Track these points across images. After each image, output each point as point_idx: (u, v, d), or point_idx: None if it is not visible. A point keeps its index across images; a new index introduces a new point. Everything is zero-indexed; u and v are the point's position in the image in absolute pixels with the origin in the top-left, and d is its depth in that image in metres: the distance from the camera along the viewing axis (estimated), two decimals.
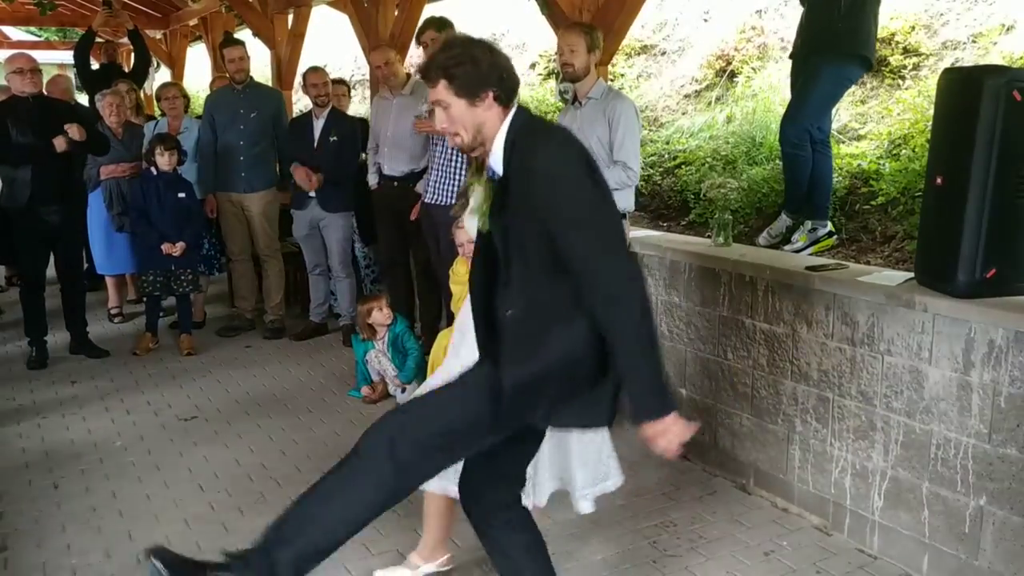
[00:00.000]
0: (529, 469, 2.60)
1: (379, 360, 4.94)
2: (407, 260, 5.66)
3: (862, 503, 3.33)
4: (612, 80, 6.41)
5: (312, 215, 5.84)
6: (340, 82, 6.55)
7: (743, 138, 5.47)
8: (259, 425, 4.66)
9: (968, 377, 2.93)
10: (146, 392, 5.19)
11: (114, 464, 4.18)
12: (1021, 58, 4.66)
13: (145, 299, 6.01)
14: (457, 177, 4.80)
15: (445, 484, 2.76)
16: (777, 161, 4.90)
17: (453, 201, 4.31)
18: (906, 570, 3.17)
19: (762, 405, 3.72)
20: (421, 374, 4.55)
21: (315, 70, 5.91)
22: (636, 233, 4.45)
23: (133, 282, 6.96)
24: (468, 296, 2.50)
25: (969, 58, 4.99)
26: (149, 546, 2.39)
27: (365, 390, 4.99)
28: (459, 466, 2.54)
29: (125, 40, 9.71)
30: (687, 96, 6.59)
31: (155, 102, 7.75)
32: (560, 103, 4.83)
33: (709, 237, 4.40)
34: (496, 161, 2.24)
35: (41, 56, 7.78)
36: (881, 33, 4.69)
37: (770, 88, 5.77)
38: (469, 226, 2.70)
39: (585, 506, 3.10)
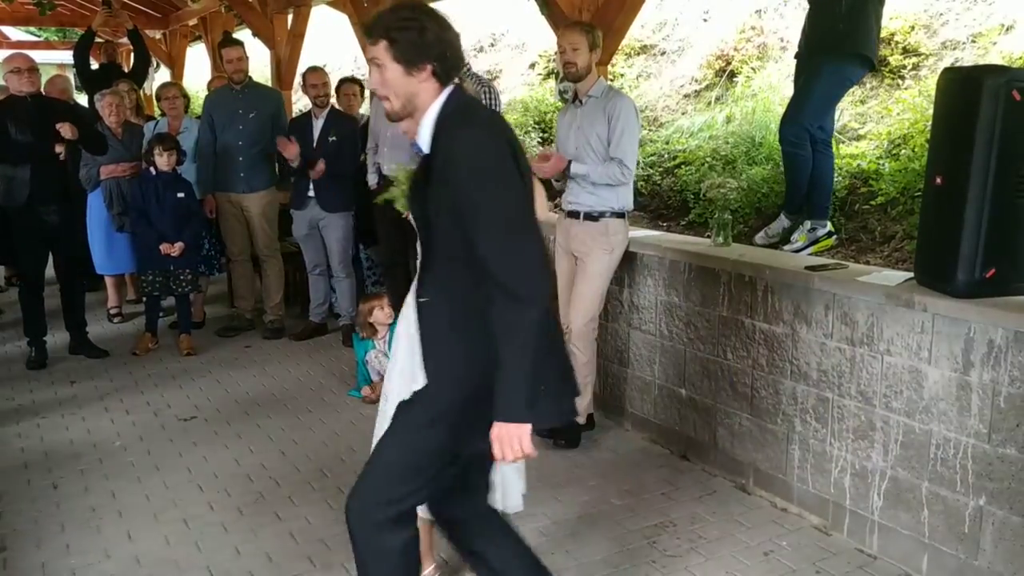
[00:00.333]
0: (495, 476, 2.53)
1: (379, 360, 4.94)
2: (407, 260, 5.66)
3: (862, 503, 3.33)
4: (612, 80, 6.41)
5: (312, 215, 5.84)
6: (353, 81, 6.48)
7: (743, 138, 5.47)
8: (259, 425, 4.66)
9: (968, 377, 2.93)
10: (145, 392, 5.19)
11: (113, 464, 4.18)
12: (1021, 58, 4.66)
13: (145, 299, 6.01)
14: None
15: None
16: (777, 161, 4.89)
17: None
18: (906, 570, 3.17)
19: (762, 405, 3.72)
20: None
21: (314, 70, 5.91)
22: (636, 233, 4.44)
23: (133, 282, 6.96)
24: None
25: (969, 58, 4.99)
26: None
27: (365, 390, 4.98)
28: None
29: (125, 40, 9.71)
30: (687, 96, 6.58)
31: (155, 102, 7.76)
32: (560, 103, 4.82)
33: (709, 237, 4.40)
34: (423, 139, 2.18)
35: (40, 56, 7.79)
36: (881, 33, 4.68)
37: (770, 88, 5.77)
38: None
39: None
